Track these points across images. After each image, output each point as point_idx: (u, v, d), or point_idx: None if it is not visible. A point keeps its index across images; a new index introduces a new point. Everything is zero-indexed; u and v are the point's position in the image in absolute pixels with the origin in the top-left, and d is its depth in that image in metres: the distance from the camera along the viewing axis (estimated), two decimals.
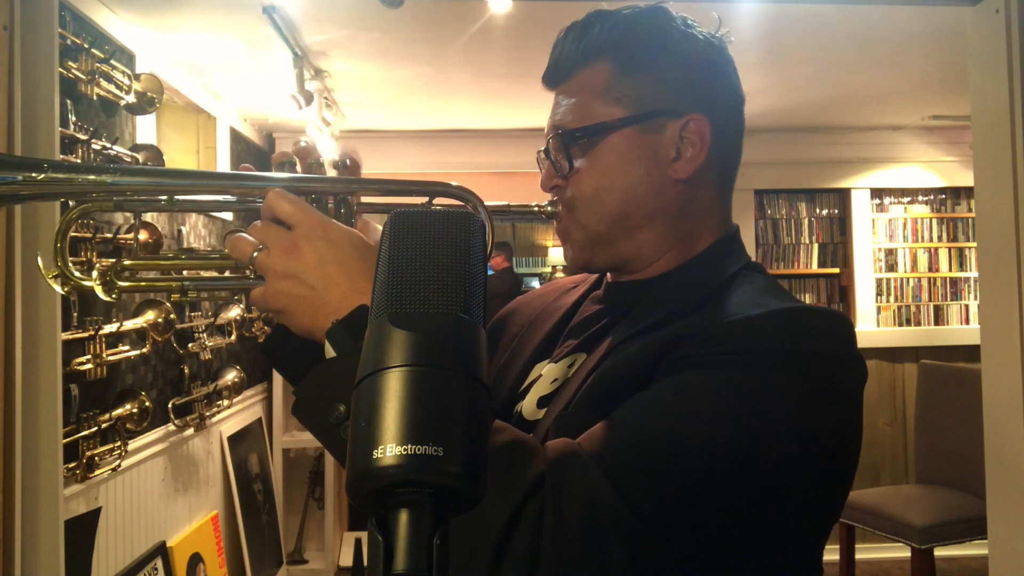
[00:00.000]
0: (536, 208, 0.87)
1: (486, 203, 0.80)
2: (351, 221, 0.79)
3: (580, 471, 0.65)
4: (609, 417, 0.70)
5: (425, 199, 0.80)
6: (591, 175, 0.84)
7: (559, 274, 7.71)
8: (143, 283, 0.80)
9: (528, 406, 0.87)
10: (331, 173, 0.81)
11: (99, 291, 0.76)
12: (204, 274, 0.82)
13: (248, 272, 0.76)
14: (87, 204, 0.75)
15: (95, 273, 0.76)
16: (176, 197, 0.76)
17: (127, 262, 0.77)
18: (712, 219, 0.88)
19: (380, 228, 0.77)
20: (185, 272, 0.80)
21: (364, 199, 0.81)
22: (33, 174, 0.72)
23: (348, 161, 0.81)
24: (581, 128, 0.84)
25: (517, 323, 1.02)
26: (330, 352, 0.65)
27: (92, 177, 0.74)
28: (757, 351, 0.71)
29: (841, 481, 0.74)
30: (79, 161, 1.99)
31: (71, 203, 0.77)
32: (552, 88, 0.90)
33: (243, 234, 0.74)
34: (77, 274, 0.76)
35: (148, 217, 2.55)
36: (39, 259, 0.86)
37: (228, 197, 0.79)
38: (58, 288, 0.77)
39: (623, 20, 0.85)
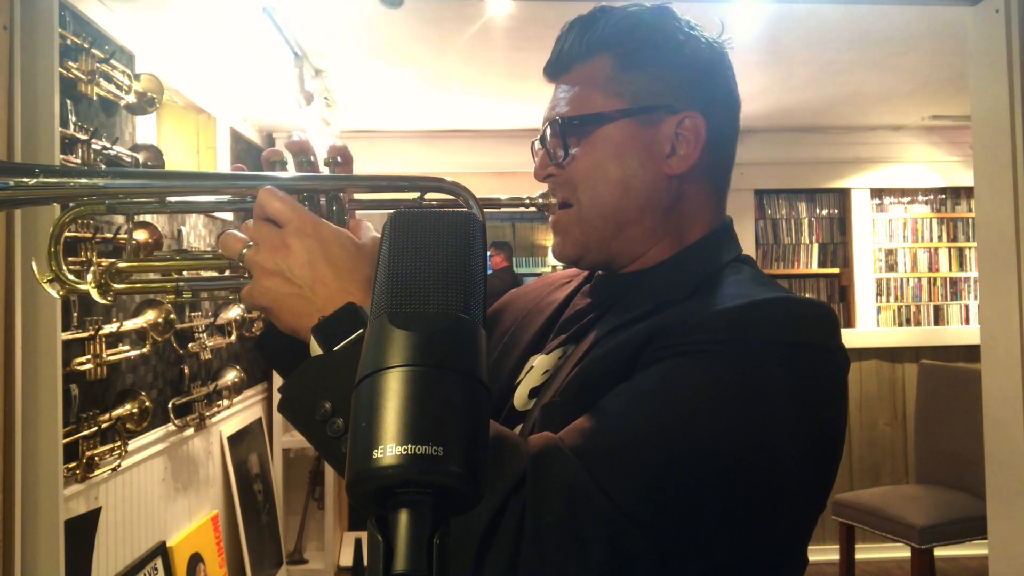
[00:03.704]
0: (527, 200, 0.88)
1: (478, 197, 0.80)
2: (343, 218, 0.79)
3: (561, 465, 0.65)
4: (591, 409, 0.70)
5: (416, 195, 0.81)
6: (586, 164, 0.85)
7: None
8: (138, 285, 0.80)
9: (519, 397, 0.88)
10: (323, 171, 0.81)
11: (94, 294, 0.76)
12: (199, 274, 0.82)
13: (241, 272, 0.77)
14: (80, 208, 0.75)
15: (90, 276, 0.76)
16: (168, 199, 0.76)
17: (121, 264, 0.77)
18: (703, 216, 0.88)
19: (372, 227, 0.77)
20: (180, 273, 0.80)
21: (356, 196, 0.81)
22: (25, 179, 0.72)
23: (339, 158, 0.81)
24: (579, 116, 0.85)
25: (510, 317, 1.03)
26: (315, 350, 0.65)
27: (84, 181, 0.74)
28: (739, 341, 0.71)
29: (825, 472, 0.74)
30: (78, 162, 1.99)
31: (58, 208, 0.77)
32: (553, 80, 0.91)
33: (235, 232, 0.74)
34: (72, 277, 0.76)
35: (148, 217, 2.55)
36: (33, 264, 0.86)
37: (221, 198, 0.79)
38: (53, 292, 0.77)
39: (627, 16, 0.86)
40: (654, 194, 0.85)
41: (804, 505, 0.73)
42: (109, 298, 0.77)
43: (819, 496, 0.75)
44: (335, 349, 0.63)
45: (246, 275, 0.75)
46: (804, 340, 0.72)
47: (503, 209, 0.86)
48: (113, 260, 0.77)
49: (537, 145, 0.90)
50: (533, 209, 0.88)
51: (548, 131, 0.87)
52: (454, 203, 0.80)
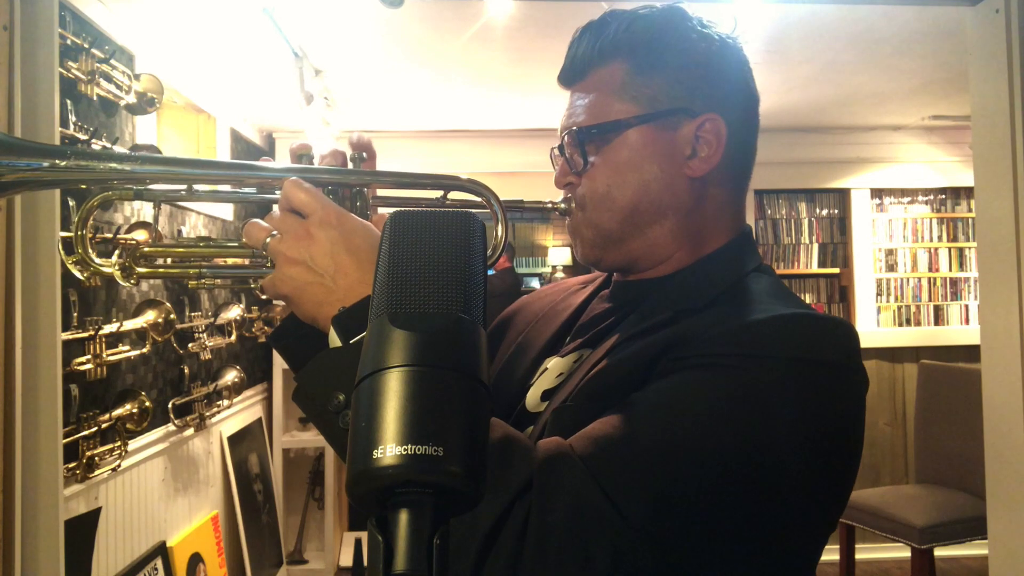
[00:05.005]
0: (550, 204, 0.88)
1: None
2: (366, 214, 0.80)
3: (569, 472, 0.65)
4: (603, 417, 0.70)
5: (440, 193, 0.81)
6: (605, 172, 0.85)
7: (559, 274, 7.72)
8: (160, 269, 0.81)
9: (532, 398, 0.88)
10: (348, 166, 0.82)
11: (118, 276, 0.77)
12: (220, 261, 0.83)
13: (263, 261, 0.78)
14: (108, 192, 0.76)
15: (114, 258, 0.78)
16: (195, 187, 0.77)
17: (146, 248, 0.79)
18: (724, 219, 0.88)
19: None
20: (203, 260, 0.81)
21: (379, 192, 0.82)
22: (58, 161, 0.73)
23: (364, 154, 0.81)
24: (597, 125, 0.85)
25: (523, 320, 1.03)
26: (334, 340, 0.65)
27: (114, 165, 0.74)
28: (757, 356, 0.70)
29: (838, 492, 0.73)
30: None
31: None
32: (568, 87, 0.90)
33: (259, 221, 0.75)
34: (97, 260, 0.77)
35: (147, 217, 2.55)
36: (59, 244, 0.88)
37: (247, 188, 0.79)
38: (78, 273, 0.78)
39: (639, 19, 0.86)
40: (675, 196, 0.84)
41: (813, 523, 0.73)
42: (132, 281, 0.78)
43: (829, 514, 0.74)
44: (351, 342, 0.63)
45: (268, 264, 0.76)
46: (819, 358, 0.72)
47: (525, 212, 0.86)
48: (138, 243, 0.78)
49: (556, 152, 0.90)
50: (555, 213, 0.88)
51: (566, 139, 0.87)
52: (478, 203, 0.81)
